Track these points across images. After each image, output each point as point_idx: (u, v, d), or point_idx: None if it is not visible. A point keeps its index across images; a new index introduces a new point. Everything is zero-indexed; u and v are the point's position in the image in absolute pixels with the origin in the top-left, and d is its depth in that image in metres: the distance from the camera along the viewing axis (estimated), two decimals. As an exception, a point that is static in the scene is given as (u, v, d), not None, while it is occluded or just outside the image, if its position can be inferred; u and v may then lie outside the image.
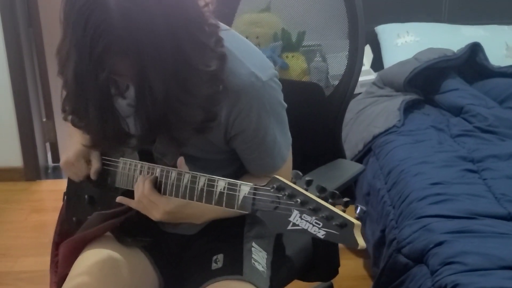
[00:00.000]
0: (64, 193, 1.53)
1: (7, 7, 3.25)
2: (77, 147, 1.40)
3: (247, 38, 1.85)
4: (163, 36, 1.00)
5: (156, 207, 1.23)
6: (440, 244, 1.66)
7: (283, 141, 1.33)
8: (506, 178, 2.00)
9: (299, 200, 0.98)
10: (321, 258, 1.58)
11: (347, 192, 1.76)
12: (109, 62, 1.01)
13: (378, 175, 2.28)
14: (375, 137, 2.50)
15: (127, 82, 1.11)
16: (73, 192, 1.50)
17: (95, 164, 1.40)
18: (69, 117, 1.12)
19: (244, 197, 1.09)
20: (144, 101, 1.04)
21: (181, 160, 1.21)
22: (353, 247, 0.93)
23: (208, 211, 1.28)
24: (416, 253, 1.72)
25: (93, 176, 1.39)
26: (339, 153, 1.71)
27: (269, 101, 1.24)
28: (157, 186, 1.24)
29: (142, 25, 0.98)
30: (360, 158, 2.53)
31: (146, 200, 1.24)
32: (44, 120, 3.69)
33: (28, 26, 3.47)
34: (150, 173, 1.25)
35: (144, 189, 1.23)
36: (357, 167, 1.65)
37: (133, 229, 1.38)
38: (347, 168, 1.64)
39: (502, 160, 2.13)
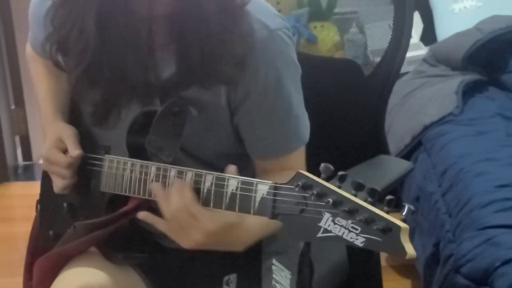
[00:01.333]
0: (37, 200, 1.54)
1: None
2: (46, 141, 1.41)
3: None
4: None
5: (197, 225, 1.16)
6: (509, 262, 1.65)
7: (300, 114, 1.33)
8: None
9: (331, 200, 0.98)
10: (359, 278, 1.58)
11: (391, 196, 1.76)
12: None
13: (430, 175, 2.28)
14: (426, 128, 2.49)
15: (163, 24, 1.15)
16: (48, 199, 1.50)
17: (71, 146, 1.38)
18: (73, 79, 1.17)
19: (262, 198, 1.08)
20: (197, 31, 1.11)
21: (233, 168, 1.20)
22: (400, 255, 0.92)
23: (256, 231, 1.25)
24: (478, 273, 1.71)
25: (76, 156, 1.37)
26: (381, 148, 1.71)
27: (279, 55, 1.26)
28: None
29: None
30: (407, 154, 2.52)
31: (185, 214, 1.17)
32: (13, 108, 3.71)
33: (-8, -8, 3.49)
34: (168, 175, 1.22)
35: (185, 198, 1.16)
36: (404, 165, 1.65)
37: (124, 243, 1.38)
38: (392, 167, 1.64)
39: None
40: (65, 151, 1.40)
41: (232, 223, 1.16)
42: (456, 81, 2.63)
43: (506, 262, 1.66)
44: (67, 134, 1.40)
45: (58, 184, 1.40)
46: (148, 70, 1.14)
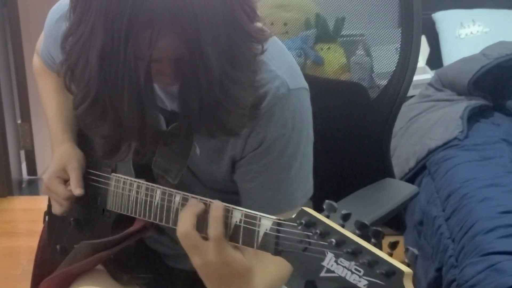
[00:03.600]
0: (45, 212, 1.53)
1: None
2: (51, 165, 1.40)
3: (272, 24, 1.86)
4: (216, 3, 1.05)
5: (196, 252, 1.14)
6: (512, 288, 1.64)
7: (299, 180, 1.30)
8: None
9: (334, 240, 0.96)
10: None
11: (395, 221, 1.76)
12: (154, 39, 1.03)
13: (434, 199, 2.27)
14: (430, 152, 2.49)
15: (167, 65, 1.12)
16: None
17: (73, 178, 1.38)
18: (80, 111, 1.15)
19: (265, 234, 1.07)
20: (197, 80, 1.07)
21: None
22: None
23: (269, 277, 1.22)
24: (481, 299, 1.70)
25: (76, 192, 1.38)
26: (386, 171, 1.70)
27: (294, 116, 1.24)
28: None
29: None
30: (412, 177, 2.52)
31: (186, 241, 1.14)
32: (19, 122, 3.71)
33: (1, 6, 3.50)
34: (173, 200, 1.20)
35: (186, 224, 1.13)
36: (410, 189, 1.64)
37: (130, 263, 1.38)
38: (397, 190, 1.63)
39: None
40: (66, 181, 1.40)
41: (234, 265, 1.12)
42: (462, 106, 2.63)
43: (509, 289, 1.65)
44: (73, 166, 1.40)
45: (56, 209, 1.41)
46: (144, 111, 1.11)
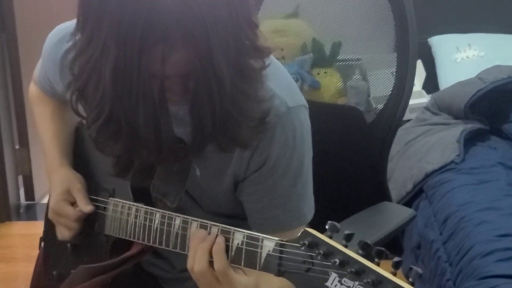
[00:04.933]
0: (41, 238, 1.53)
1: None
2: (53, 190, 1.40)
3: (269, 49, 1.87)
4: (223, 10, 1.06)
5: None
6: (510, 312, 1.64)
7: (305, 193, 1.31)
8: None
9: (337, 260, 0.97)
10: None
11: (392, 244, 1.75)
12: (167, 53, 1.04)
13: (431, 223, 2.27)
14: (427, 176, 2.49)
15: (176, 82, 1.13)
16: (52, 238, 1.48)
17: (81, 200, 1.39)
18: (94, 130, 1.14)
19: (268, 255, 1.07)
20: (210, 92, 1.07)
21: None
22: None
23: None
24: (479, 323, 1.70)
25: (87, 210, 1.37)
26: (383, 195, 1.70)
27: (295, 133, 1.24)
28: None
29: (202, 5, 1.03)
30: (409, 201, 2.52)
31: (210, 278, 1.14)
32: (17, 147, 3.71)
33: (0, 32, 3.51)
34: (173, 224, 1.21)
35: (219, 263, 1.13)
36: (407, 212, 1.64)
37: (128, 287, 1.38)
38: (394, 214, 1.63)
39: None
40: (73, 203, 1.40)
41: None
42: (458, 129, 2.63)
43: (507, 312, 1.65)
44: (77, 188, 1.40)
45: (65, 235, 1.41)
46: (160, 127, 1.11)
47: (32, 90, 1.56)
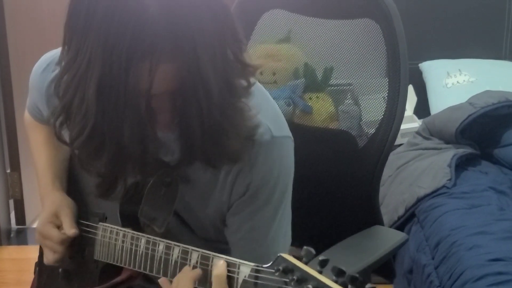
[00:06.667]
0: (36, 263, 1.52)
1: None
2: (43, 212, 1.40)
3: (261, 74, 1.88)
4: (209, 24, 1.06)
5: None
6: (502, 337, 1.63)
7: (283, 229, 1.31)
8: None
9: (310, 286, 0.96)
10: None
11: (385, 268, 1.75)
12: (154, 66, 1.03)
13: (423, 247, 2.26)
14: (419, 200, 2.48)
15: (166, 100, 1.12)
16: (45, 264, 1.49)
17: (67, 222, 1.38)
18: (77, 145, 1.13)
19: (244, 281, 1.07)
20: (199, 104, 1.07)
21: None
22: None
23: None
24: None
25: (70, 233, 1.36)
26: (375, 219, 1.70)
27: (279, 162, 1.25)
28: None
29: (188, 15, 1.04)
30: (401, 225, 2.51)
31: None
32: (8, 171, 3.70)
33: (-7, 57, 3.52)
34: (157, 249, 1.21)
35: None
36: (399, 236, 1.64)
37: None
38: (386, 238, 1.63)
39: None
40: (59, 226, 1.39)
41: None
42: (449, 154, 2.64)
43: (499, 337, 1.64)
44: (65, 212, 1.40)
45: (49, 258, 1.40)
46: (146, 142, 1.10)
47: (27, 117, 1.56)
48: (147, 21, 1.02)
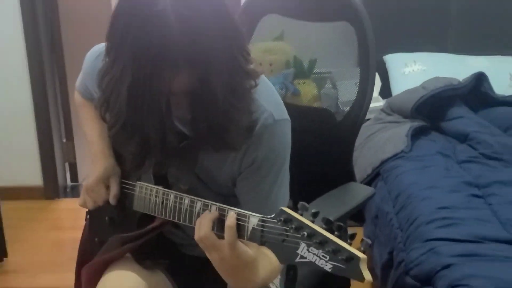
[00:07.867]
0: (87, 212, 1.53)
1: (31, 34, 3.31)
2: (97, 173, 1.39)
3: (260, 65, 1.87)
4: (220, 43, 1.06)
5: (212, 249, 1.12)
6: (447, 267, 1.64)
7: (282, 192, 1.30)
8: (511, 204, 1.97)
9: (305, 233, 0.96)
10: (333, 277, 1.56)
11: (357, 215, 1.76)
12: (172, 78, 1.05)
13: (386, 199, 2.27)
14: (383, 162, 2.48)
15: (183, 98, 1.12)
16: (95, 212, 1.48)
17: (114, 189, 1.39)
18: (113, 132, 1.16)
19: (253, 228, 1.07)
20: (206, 108, 1.09)
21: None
22: (359, 280, 0.90)
23: (262, 275, 1.18)
24: (423, 275, 1.70)
25: (112, 201, 1.39)
26: (350, 177, 1.70)
27: (279, 141, 1.24)
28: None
29: (203, 36, 1.03)
30: (369, 181, 2.51)
31: (205, 242, 1.12)
32: (64, 141, 3.71)
33: (51, 52, 3.51)
34: (183, 203, 1.20)
35: (230, 237, 1.09)
36: (368, 190, 1.64)
37: (152, 252, 1.37)
38: (359, 192, 1.63)
39: (507, 186, 2.11)
40: (107, 187, 1.40)
41: (244, 257, 1.11)
42: (407, 126, 2.63)
43: (445, 267, 1.65)
44: (115, 179, 1.39)
45: (90, 205, 1.41)
46: (165, 130, 1.12)
47: (77, 97, 1.55)
48: (169, 41, 1.02)
